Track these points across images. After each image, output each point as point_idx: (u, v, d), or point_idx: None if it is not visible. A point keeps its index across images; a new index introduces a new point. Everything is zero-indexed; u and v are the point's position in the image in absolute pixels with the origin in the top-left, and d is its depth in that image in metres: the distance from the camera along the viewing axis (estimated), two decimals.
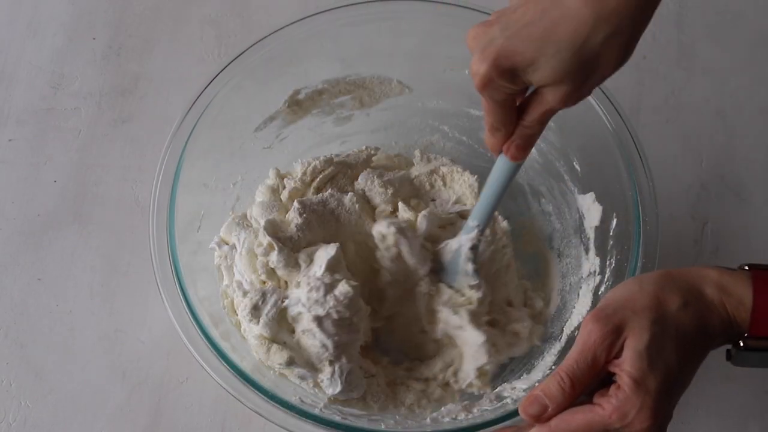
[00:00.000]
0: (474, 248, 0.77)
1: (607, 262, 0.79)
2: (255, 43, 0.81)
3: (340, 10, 0.82)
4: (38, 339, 0.88)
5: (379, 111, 0.91)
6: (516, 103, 0.64)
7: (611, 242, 0.79)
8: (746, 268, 0.64)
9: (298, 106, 0.87)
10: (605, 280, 0.79)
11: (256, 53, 0.81)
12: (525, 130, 0.65)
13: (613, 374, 0.61)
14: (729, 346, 0.64)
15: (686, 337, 0.61)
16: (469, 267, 0.78)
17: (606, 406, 0.59)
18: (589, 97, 0.79)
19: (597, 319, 0.61)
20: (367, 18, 0.83)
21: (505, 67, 0.59)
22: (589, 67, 0.58)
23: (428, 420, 0.76)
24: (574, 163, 0.85)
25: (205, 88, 0.80)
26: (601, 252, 0.81)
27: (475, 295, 0.78)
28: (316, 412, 0.71)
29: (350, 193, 0.84)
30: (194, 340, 0.71)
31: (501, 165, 0.69)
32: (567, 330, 0.79)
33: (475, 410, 0.74)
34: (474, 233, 0.77)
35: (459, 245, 0.78)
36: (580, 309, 0.80)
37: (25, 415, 0.84)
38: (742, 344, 0.63)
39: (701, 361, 0.62)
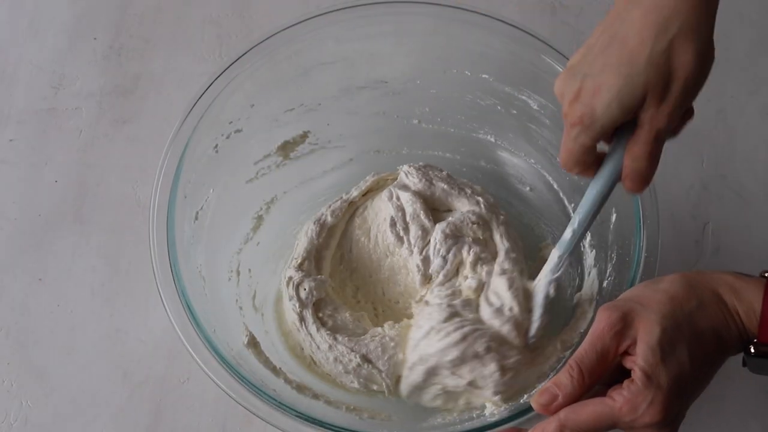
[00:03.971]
0: (558, 283, 0.75)
1: (608, 257, 0.79)
2: (257, 44, 0.81)
3: (340, 11, 0.82)
4: (39, 339, 0.88)
5: (375, 114, 0.91)
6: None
7: (611, 237, 0.80)
8: (766, 274, 0.64)
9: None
10: (607, 275, 0.79)
11: (258, 54, 0.81)
12: (635, 164, 0.64)
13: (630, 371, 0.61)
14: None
15: (700, 338, 0.61)
16: (542, 307, 0.76)
17: (617, 399, 0.59)
18: None
19: (605, 308, 0.62)
20: (368, 20, 0.83)
21: (596, 119, 0.61)
22: (665, 73, 0.59)
23: (430, 420, 0.76)
24: None
25: (207, 88, 0.80)
26: (602, 247, 0.81)
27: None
28: (316, 415, 0.71)
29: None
30: (193, 341, 0.71)
31: (594, 191, 0.68)
32: None
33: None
34: (561, 267, 0.74)
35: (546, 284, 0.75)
36: None
37: (26, 415, 0.84)
38: (752, 350, 0.62)
39: (717, 366, 0.62)
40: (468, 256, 0.81)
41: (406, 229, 0.84)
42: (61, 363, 0.87)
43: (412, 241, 0.83)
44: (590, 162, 0.65)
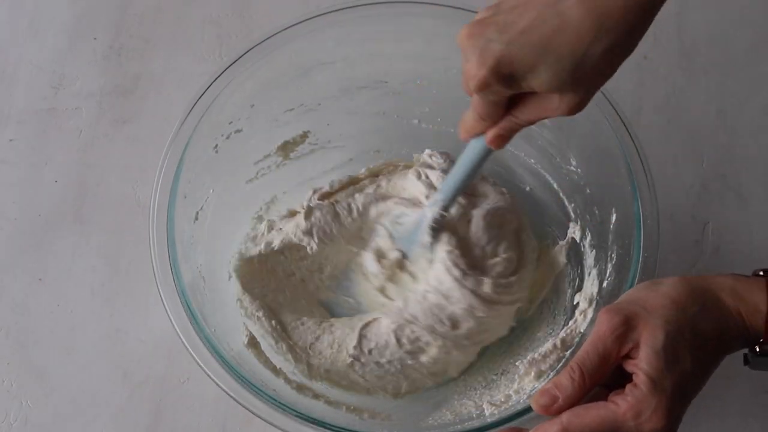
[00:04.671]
0: (435, 225, 0.79)
1: (608, 257, 0.79)
2: (257, 44, 0.81)
3: (340, 11, 0.82)
4: (39, 339, 0.88)
5: (375, 114, 0.91)
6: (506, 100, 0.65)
7: (611, 237, 0.80)
8: (761, 273, 0.64)
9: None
10: (607, 275, 0.79)
11: (258, 54, 0.81)
12: (514, 125, 0.66)
13: (632, 375, 0.61)
14: (746, 351, 0.64)
15: (703, 342, 0.61)
16: (427, 240, 0.80)
17: (621, 404, 0.59)
18: None
19: (607, 310, 0.62)
20: (368, 19, 0.83)
21: (505, 72, 0.60)
22: (590, 78, 0.60)
23: (430, 420, 0.76)
24: (572, 159, 0.85)
25: (207, 88, 0.80)
26: (602, 247, 0.81)
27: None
28: (316, 415, 0.71)
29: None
30: (193, 341, 0.71)
31: (477, 147, 0.72)
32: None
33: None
34: (438, 209, 0.79)
35: (421, 218, 0.80)
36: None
37: (26, 415, 0.84)
38: (758, 350, 0.63)
39: (716, 366, 0.63)
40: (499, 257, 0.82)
41: None
42: (61, 363, 0.87)
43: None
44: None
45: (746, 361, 0.65)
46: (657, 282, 0.64)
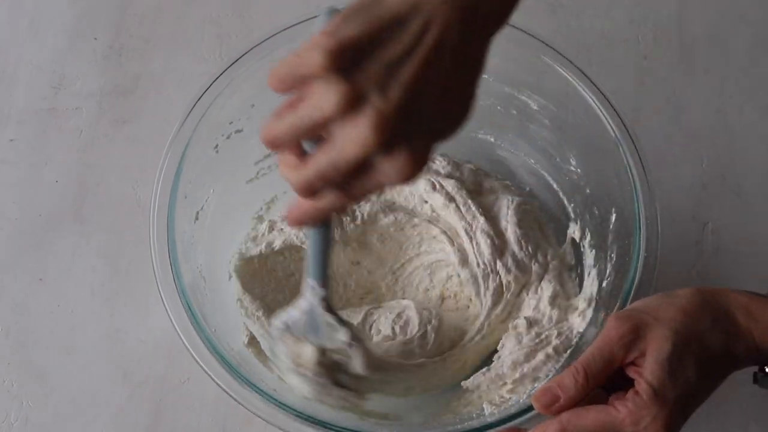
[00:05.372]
0: (326, 301, 0.68)
1: (608, 257, 0.79)
2: (257, 44, 0.81)
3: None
4: (39, 339, 0.88)
5: None
6: None
7: (611, 237, 0.80)
8: None
9: None
10: (607, 275, 0.79)
11: (258, 54, 0.81)
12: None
13: (633, 379, 0.61)
14: (755, 369, 0.64)
15: (709, 357, 0.61)
16: (332, 320, 0.68)
17: (621, 409, 0.59)
18: (588, 99, 0.80)
19: (617, 317, 0.62)
20: None
21: None
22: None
23: (430, 420, 0.76)
24: (571, 159, 0.85)
25: (207, 88, 0.80)
26: (601, 247, 0.81)
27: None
28: (316, 415, 0.71)
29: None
30: (193, 340, 0.71)
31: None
32: None
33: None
34: (319, 290, 0.67)
35: (309, 306, 0.68)
36: None
37: (27, 415, 0.84)
38: None
39: (721, 382, 0.63)
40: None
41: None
42: (61, 363, 0.87)
43: (473, 225, 0.85)
44: None
45: (755, 380, 0.65)
46: (672, 294, 0.64)
